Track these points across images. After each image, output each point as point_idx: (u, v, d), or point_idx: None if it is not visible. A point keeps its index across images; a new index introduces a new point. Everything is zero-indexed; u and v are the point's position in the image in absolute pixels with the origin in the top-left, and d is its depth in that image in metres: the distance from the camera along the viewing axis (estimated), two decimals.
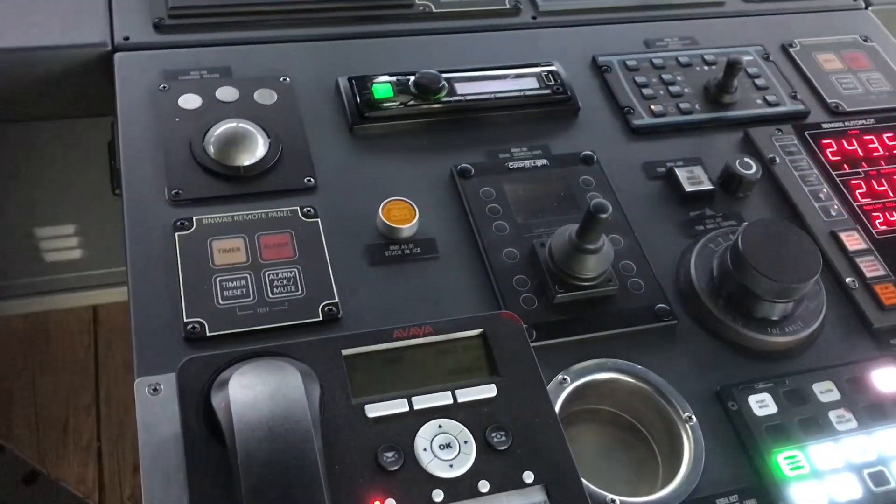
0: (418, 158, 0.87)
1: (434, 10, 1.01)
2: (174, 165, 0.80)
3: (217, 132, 0.81)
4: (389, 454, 0.58)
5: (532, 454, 0.60)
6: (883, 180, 0.93)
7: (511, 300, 0.76)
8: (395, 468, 0.58)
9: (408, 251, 0.78)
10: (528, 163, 0.87)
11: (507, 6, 1.04)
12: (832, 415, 0.73)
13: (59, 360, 1.68)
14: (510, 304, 0.75)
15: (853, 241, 0.86)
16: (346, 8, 0.99)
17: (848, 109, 1.01)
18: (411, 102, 0.89)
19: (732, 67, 0.95)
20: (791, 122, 0.97)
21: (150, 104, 0.85)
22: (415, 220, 0.79)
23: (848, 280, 0.83)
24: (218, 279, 0.72)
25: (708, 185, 0.88)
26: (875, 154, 0.95)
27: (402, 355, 0.64)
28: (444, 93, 0.90)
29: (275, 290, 0.72)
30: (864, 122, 0.99)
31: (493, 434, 0.60)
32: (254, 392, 0.55)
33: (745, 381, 0.74)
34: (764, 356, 0.77)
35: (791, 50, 1.07)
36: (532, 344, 0.67)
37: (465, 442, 0.60)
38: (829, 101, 1.01)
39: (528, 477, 0.59)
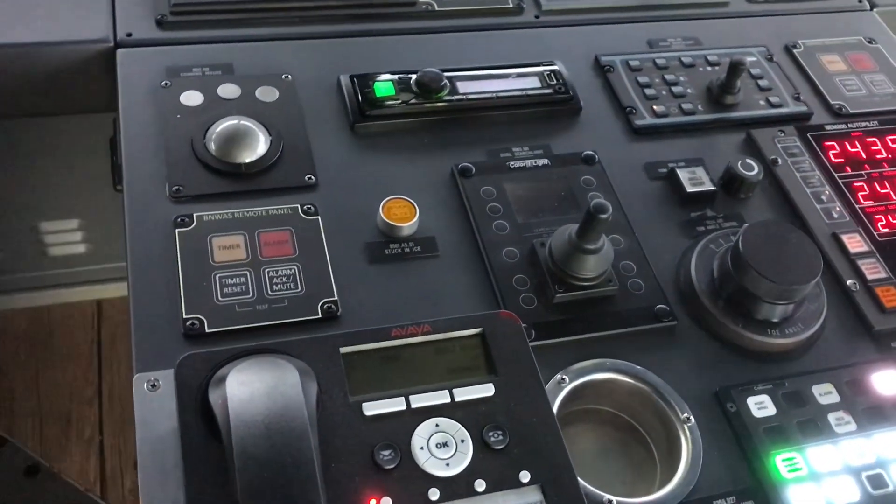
0: (419, 157, 0.87)
1: (437, 8, 1.01)
2: (175, 162, 0.80)
3: (218, 129, 0.81)
4: (386, 452, 0.58)
5: (529, 454, 0.60)
6: (885, 183, 0.92)
7: (510, 299, 0.76)
8: (392, 466, 0.58)
9: (408, 249, 0.79)
10: (529, 162, 0.87)
11: (510, 5, 1.04)
12: (831, 417, 0.73)
13: (62, 353, 1.69)
14: (509, 304, 0.75)
15: (855, 243, 0.86)
16: (349, 6, 0.99)
17: (851, 111, 1.00)
18: (413, 101, 0.89)
19: (735, 68, 0.94)
20: (794, 123, 0.97)
21: (151, 101, 0.85)
22: (415, 219, 0.79)
23: (849, 282, 0.83)
24: (217, 276, 0.72)
25: (709, 186, 0.88)
26: (878, 156, 0.95)
27: (400, 354, 0.64)
28: (446, 91, 0.90)
29: (274, 287, 0.73)
30: (867, 123, 0.98)
31: (491, 433, 0.60)
32: (251, 389, 0.55)
33: (745, 383, 0.74)
34: (764, 358, 0.77)
35: (795, 51, 1.06)
36: (531, 343, 0.67)
37: (462, 441, 0.60)
38: (832, 102, 1.01)
39: (525, 476, 0.59)
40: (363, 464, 0.58)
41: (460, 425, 0.61)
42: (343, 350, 0.63)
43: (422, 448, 0.59)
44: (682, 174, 0.88)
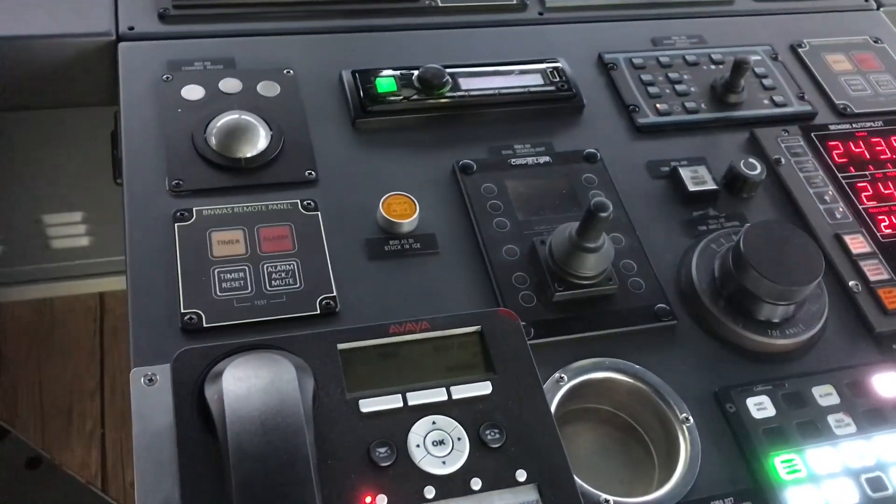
0: (420, 153, 0.86)
1: (440, 4, 1.01)
2: (175, 156, 0.80)
3: (219, 123, 0.81)
4: (382, 450, 0.58)
5: (526, 452, 0.60)
6: (889, 183, 0.92)
7: (510, 297, 0.76)
8: (388, 464, 0.58)
9: (407, 246, 0.78)
10: (530, 160, 0.87)
11: (514, 2, 1.03)
12: (831, 419, 0.72)
13: (64, 346, 1.69)
14: (509, 301, 0.75)
15: (857, 244, 0.85)
16: (352, 1, 0.98)
17: (856, 111, 1.00)
18: (414, 97, 0.88)
19: (739, 67, 0.94)
20: (798, 123, 0.97)
21: (153, 94, 0.85)
22: (415, 215, 0.79)
23: (851, 283, 0.83)
24: (216, 271, 0.72)
25: (712, 186, 0.88)
26: (882, 157, 0.94)
27: (398, 351, 0.64)
28: (448, 88, 0.89)
29: (273, 282, 0.72)
30: (871, 124, 0.98)
31: (487, 431, 0.60)
32: (247, 385, 0.55)
33: (744, 383, 0.74)
34: (764, 358, 0.77)
35: (800, 50, 1.06)
36: (530, 342, 0.67)
37: (459, 439, 0.60)
38: (837, 102, 1.00)
39: (521, 475, 0.59)
40: (359, 461, 0.58)
41: (457, 423, 0.60)
42: (340, 346, 0.62)
43: (418, 446, 0.59)
44: (685, 173, 0.88)
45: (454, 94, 0.89)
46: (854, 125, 0.97)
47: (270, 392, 0.55)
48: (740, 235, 0.76)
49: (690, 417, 0.71)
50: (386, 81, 0.89)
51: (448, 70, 0.90)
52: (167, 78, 0.86)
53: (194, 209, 0.76)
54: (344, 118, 0.88)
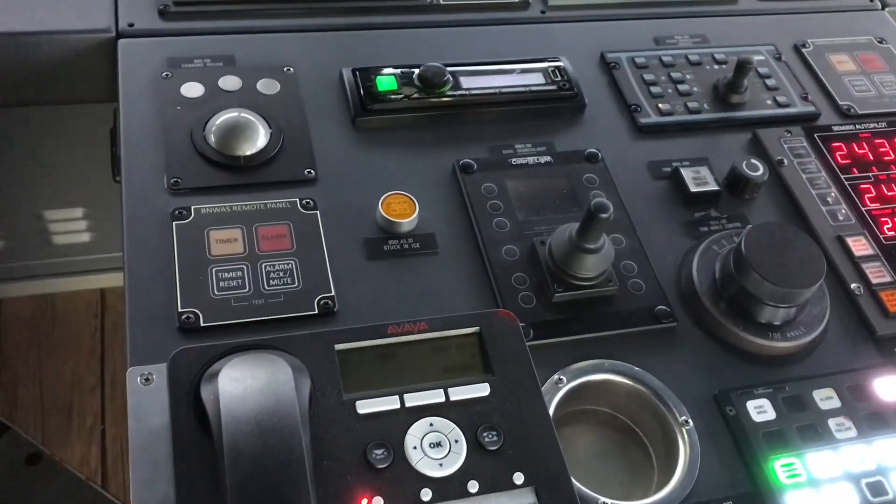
0: (420, 152, 0.86)
1: (441, 2, 1.00)
2: (174, 154, 0.80)
3: (218, 121, 0.81)
4: (379, 451, 0.58)
5: (523, 455, 0.60)
6: (893, 185, 0.91)
7: (509, 298, 0.75)
8: (384, 466, 0.58)
9: (406, 246, 0.78)
10: (531, 159, 0.86)
11: (516, 0, 1.02)
12: (832, 423, 0.72)
13: (65, 342, 1.69)
14: (508, 302, 0.75)
15: (860, 246, 0.85)
16: None
17: (860, 112, 0.99)
18: (415, 95, 0.88)
19: (742, 67, 0.93)
20: (801, 123, 0.96)
21: (152, 92, 0.85)
22: (414, 215, 0.78)
23: (853, 286, 0.82)
24: (214, 270, 0.72)
25: (714, 186, 0.87)
26: (886, 158, 0.94)
27: (396, 351, 0.64)
28: (449, 86, 0.89)
29: (271, 281, 0.72)
30: (875, 125, 0.97)
31: (485, 434, 0.60)
32: (243, 386, 0.55)
33: (744, 386, 0.73)
34: (764, 361, 0.76)
35: (804, 50, 1.05)
36: (529, 343, 0.66)
37: (456, 441, 0.59)
38: (840, 103, 1.00)
39: (519, 478, 0.59)
40: (355, 463, 0.57)
41: (454, 425, 0.60)
42: (338, 347, 0.62)
43: (415, 447, 0.59)
44: (686, 174, 0.88)
45: (455, 92, 0.89)
46: (858, 126, 0.97)
47: (266, 393, 0.55)
48: (742, 237, 0.75)
49: (690, 420, 0.71)
50: (386, 80, 0.89)
51: (449, 69, 0.89)
52: (167, 75, 0.86)
53: (192, 207, 0.76)
54: (344, 116, 0.87)
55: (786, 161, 0.91)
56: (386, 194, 0.79)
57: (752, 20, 1.09)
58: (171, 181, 0.78)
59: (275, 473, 0.51)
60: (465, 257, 0.78)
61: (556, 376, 0.71)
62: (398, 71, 0.89)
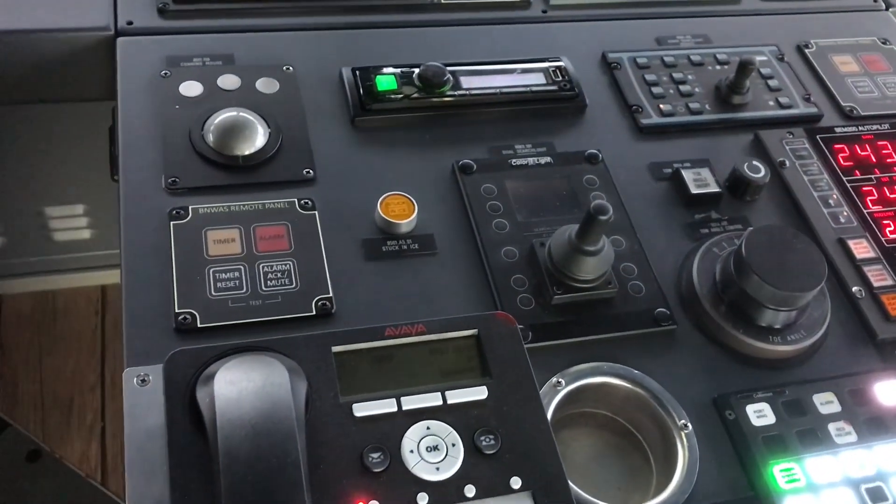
0: (420, 152, 0.86)
1: (442, 1, 0.99)
2: (172, 153, 0.79)
3: (217, 121, 0.80)
4: (375, 455, 0.58)
5: (521, 459, 0.59)
6: (895, 187, 0.90)
7: (508, 300, 0.75)
8: (381, 469, 0.57)
9: (405, 247, 0.78)
10: (531, 160, 0.86)
11: None
12: (832, 427, 0.71)
13: (66, 338, 1.69)
14: (507, 304, 0.74)
15: (861, 248, 0.84)
16: None
17: (863, 114, 0.98)
18: (415, 95, 0.88)
19: (745, 68, 0.93)
20: (803, 125, 0.95)
21: (150, 90, 0.84)
22: (413, 216, 0.78)
23: (854, 289, 0.81)
24: (211, 270, 0.72)
25: (714, 188, 0.87)
26: (888, 160, 0.93)
27: (393, 354, 0.63)
28: (449, 86, 0.88)
29: (268, 282, 0.72)
30: (878, 127, 0.96)
31: (482, 437, 0.60)
32: (238, 388, 0.55)
33: (744, 390, 0.73)
34: (764, 365, 0.76)
35: (807, 51, 1.05)
36: (528, 345, 0.66)
37: (453, 445, 0.59)
38: (843, 104, 0.99)
39: (516, 483, 0.58)
40: (351, 466, 0.57)
41: (452, 429, 0.60)
42: (335, 349, 0.62)
43: (412, 451, 0.58)
44: (687, 175, 0.87)
45: (455, 92, 0.89)
46: (860, 128, 0.96)
47: (262, 396, 0.55)
48: (742, 239, 0.75)
49: (689, 424, 0.70)
50: (386, 79, 0.88)
51: (449, 68, 0.89)
52: (165, 74, 0.85)
53: (190, 207, 0.75)
54: (343, 116, 0.87)
55: (787, 163, 0.91)
56: (385, 195, 0.79)
57: (755, 20, 1.08)
58: (169, 180, 0.77)
59: (269, 477, 0.51)
60: (464, 259, 0.78)
61: (554, 379, 0.71)
62: (398, 70, 0.89)
